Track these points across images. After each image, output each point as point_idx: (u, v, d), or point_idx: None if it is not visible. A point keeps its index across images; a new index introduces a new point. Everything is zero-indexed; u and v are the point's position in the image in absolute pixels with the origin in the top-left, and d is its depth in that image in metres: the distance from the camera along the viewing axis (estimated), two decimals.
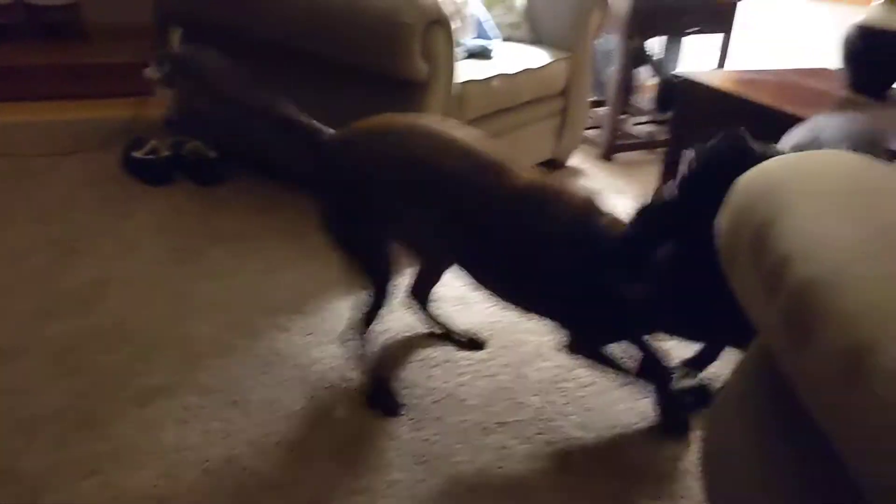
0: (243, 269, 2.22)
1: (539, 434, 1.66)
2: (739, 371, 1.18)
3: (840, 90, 2.31)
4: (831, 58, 2.42)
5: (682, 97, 2.40)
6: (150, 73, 3.28)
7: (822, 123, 1.61)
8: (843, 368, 0.74)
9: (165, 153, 2.86)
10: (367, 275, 1.67)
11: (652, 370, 1.64)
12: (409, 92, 2.35)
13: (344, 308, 2.03)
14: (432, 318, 1.98)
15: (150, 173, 2.80)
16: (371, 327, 1.73)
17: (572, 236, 1.47)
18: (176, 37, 3.07)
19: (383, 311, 1.70)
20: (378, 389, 1.73)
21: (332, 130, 1.69)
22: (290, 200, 2.66)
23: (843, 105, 2.17)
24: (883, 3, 2.14)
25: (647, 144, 3.60)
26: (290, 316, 2.00)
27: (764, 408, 1.08)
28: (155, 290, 2.09)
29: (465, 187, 1.49)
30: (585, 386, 1.83)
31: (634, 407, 1.76)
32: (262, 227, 2.49)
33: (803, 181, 0.94)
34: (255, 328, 1.94)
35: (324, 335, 1.93)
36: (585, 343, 1.63)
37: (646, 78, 4.08)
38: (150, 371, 1.76)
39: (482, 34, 2.81)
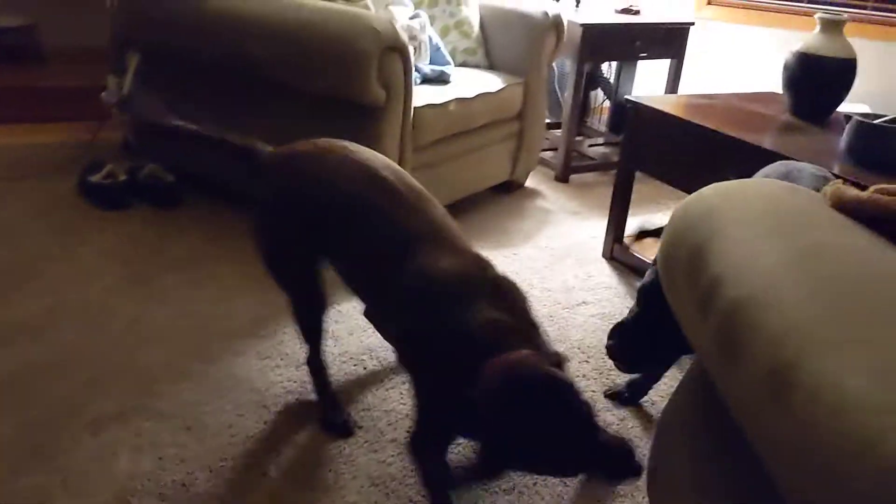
0: (199, 295, 2.22)
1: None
2: (681, 390, 1.21)
3: (783, 115, 2.38)
4: (776, 82, 2.51)
5: (631, 121, 2.46)
6: (107, 96, 3.27)
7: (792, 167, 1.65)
8: (768, 386, 0.77)
9: (122, 177, 2.85)
10: (290, 297, 1.70)
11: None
12: (366, 117, 2.38)
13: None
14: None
15: (106, 198, 2.79)
16: (321, 346, 1.75)
17: (441, 306, 1.35)
18: (134, 61, 3.06)
19: (320, 329, 1.73)
20: (333, 412, 1.74)
21: (268, 149, 1.73)
22: (247, 225, 2.66)
23: (785, 130, 2.24)
24: (819, 32, 2.22)
25: (602, 166, 3.67)
26: (246, 340, 2.01)
27: (703, 426, 1.12)
28: (109, 317, 2.08)
29: (376, 218, 1.47)
30: None
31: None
32: (218, 251, 2.49)
33: (734, 207, 0.99)
34: (210, 353, 1.94)
35: (280, 359, 1.94)
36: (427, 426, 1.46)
37: (601, 101, 4.17)
38: (103, 398, 1.75)
39: (438, 60, 2.85)
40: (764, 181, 1.04)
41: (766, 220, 0.93)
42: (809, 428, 0.70)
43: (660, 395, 1.92)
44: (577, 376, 1.98)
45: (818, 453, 0.68)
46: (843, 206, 0.96)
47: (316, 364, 1.77)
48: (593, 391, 1.93)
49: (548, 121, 3.80)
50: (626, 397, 1.90)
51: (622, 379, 1.93)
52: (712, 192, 1.06)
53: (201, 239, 2.57)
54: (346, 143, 1.65)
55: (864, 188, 0.99)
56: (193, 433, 1.66)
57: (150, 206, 2.79)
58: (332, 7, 2.41)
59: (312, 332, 1.74)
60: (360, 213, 1.49)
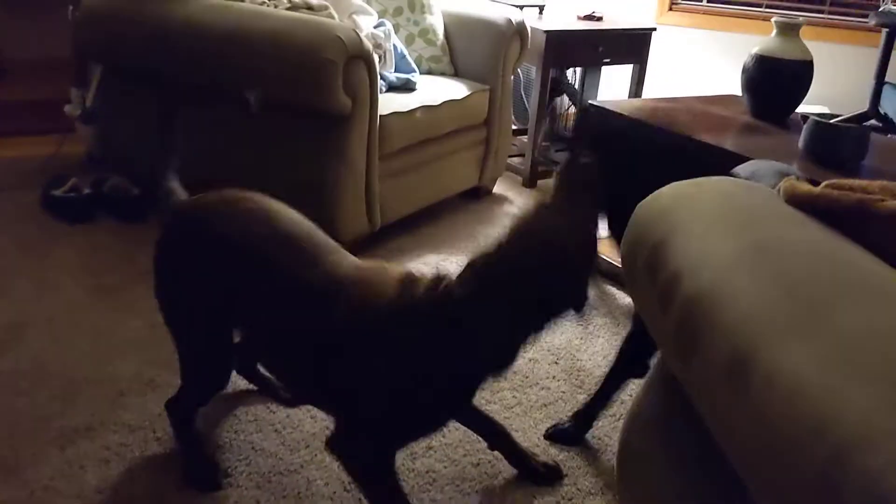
0: None
1: (465, 456, 1.69)
2: (648, 385, 1.23)
3: (743, 116, 2.43)
4: (736, 85, 2.55)
5: (594, 125, 2.49)
6: (70, 109, 3.24)
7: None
8: (725, 376, 0.79)
9: (86, 191, 2.82)
10: (186, 352, 1.57)
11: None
12: (332, 126, 2.39)
13: None
14: None
15: (70, 211, 2.76)
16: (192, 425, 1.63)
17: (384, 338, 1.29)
18: (97, 73, 3.05)
19: (213, 394, 1.62)
20: (199, 465, 1.60)
21: (183, 197, 1.60)
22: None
23: (746, 131, 2.28)
24: (777, 35, 2.27)
25: None
26: None
27: (668, 420, 1.14)
28: (75, 330, 2.06)
29: (275, 276, 1.38)
30: (510, 407, 1.87)
31: (558, 425, 1.80)
32: None
33: (691, 205, 1.01)
34: (177, 364, 1.93)
35: None
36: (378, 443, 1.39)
37: (567, 106, 4.21)
38: (71, 412, 1.73)
39: (403, 68, 2.87)
40: (719, 179, 1.07)
41: (721, 216, 0.95)
42: (766, 414, 0.72)
43: (605, 433, 1.94)
44: (547, 377, 2.00)
45: (775, 438, 0.70)
46: (796, 201, 0.99)
47: (188, 416, 1.63)
48: (563, 391, 1.95)
49: (514, 127, 3.83)
50: (571, 434, 1.79)
51: (565, 414, 1.85)
52: (670, 191, 1.08)
53: None
54: (255, 196, 1.53)
55: (817, 184, 1.02)
56: (162, 444, 1.65)
57: (116, 220, 2.77)
58: (295, 17, 2.42)
59: (203, 394, 1.62)
60: (270, 269, 1.38)
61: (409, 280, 1.31)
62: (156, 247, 1.51)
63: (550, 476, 1.65)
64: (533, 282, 1.23)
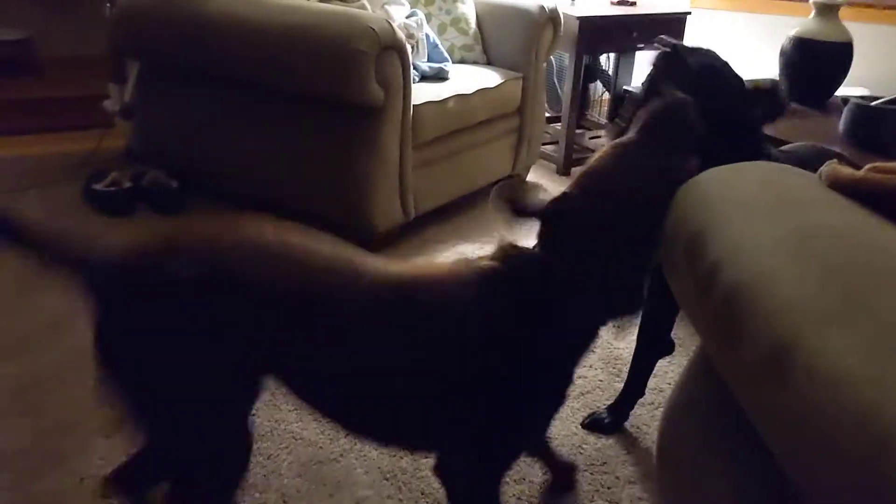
0: None
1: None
2: (687, 373, 1.23)
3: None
4: (773, 68, 2.51)
5: (628, 112, 2.47)
6: (109, 105, 3.30)
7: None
8: (767, 366, 0.79)
9: (127, 184, 2.87)
10: (190, 455, 1.20)
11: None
12: (365, 117, 2.40)
13: None
14: None
15: (111, 205, 2.81)
16: None
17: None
18: (135, 69, 3.09)
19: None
20: None
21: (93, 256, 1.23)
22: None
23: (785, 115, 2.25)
24: (815, 16, 2.23)
25: None
26: None
27: (709, 408, 1.13)
28: None
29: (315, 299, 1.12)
30: None
31: (564, 423, 1.81)
32: None
33: (731, 191, 1.00)
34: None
35: None
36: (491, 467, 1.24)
37: (601, 93, 4.18)
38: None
39: (436, 57, 2.87)
40: (759, 164, 1.05)
41: (762, 202, 0.94)
42: (808, 404, 0.71)
43: (643, 422, 1.93)
44: (584, 366, 1.99)
45: (817, 428, 0.70)
46: (838, 186, 0.98)
47: None
48: (600, 380, 1.94)
49: (548, 115, 3.81)
50: (608, 423, 1.78)
51: (603, 403, 1.85)
52: (709, 177, 1.07)
53: None
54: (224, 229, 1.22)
55: (859, 168, 1.01)
56: None
57: (155, 212, 2.81)
58: (328, 8, 2.43)
59: (230, 485, 1.24)
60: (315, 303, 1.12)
61: (465, 267, 1.16)
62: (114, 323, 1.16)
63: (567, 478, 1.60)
64: (627, 225, 1.11)
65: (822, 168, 1.01)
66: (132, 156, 3.19)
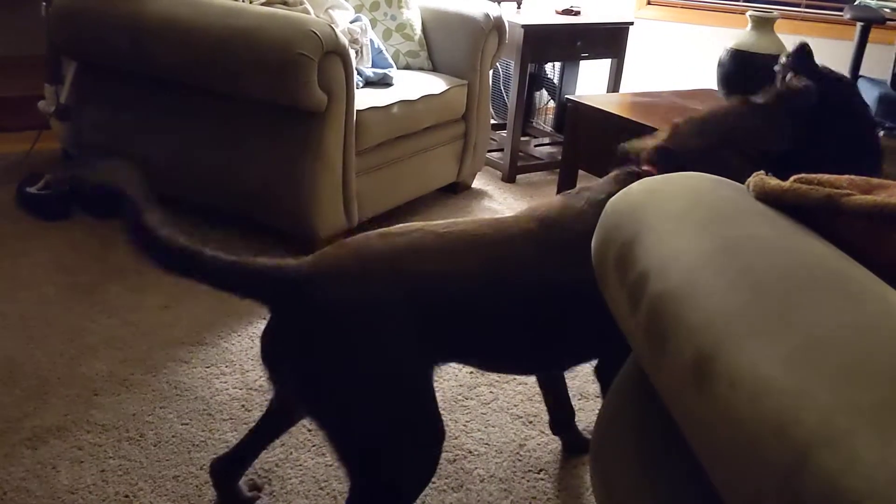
0: (142, 304, 2.19)
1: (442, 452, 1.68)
2: (620, 381, 1.24)
3: None
4: (712, 79, 2.56)
5: (572, 120, 2.50)
6: (44, 106, 3.21)
7: None
8: (691, 375, 0.79)
9: (62, 188, 2.79)
10: (398, 455, 1.23)
11: None
12: (308, 122, 2.37)
13: (246, 337, 2.04)
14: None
15: (45, 209, 2.73)
16: None
17: None
18: (70, 70, 3.01)
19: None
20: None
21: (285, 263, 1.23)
22: (190, 233, 2.64)
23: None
24: (751, 29, 2.28)
25: (548, 165, 3.70)
26: (190, 348, 1.98)
27: (641, 416, 1.14)
28: (49, 329, 2.04)
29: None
30: (487, 403, 1.87)
31: (535, 421, 1.81)
32: None
33: (660, 202, 1.01)
34: (153, 362, 1.92)
35: (225, 366, 1.92)
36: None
37: (546, 101, 4.21)
38: (44, 412, 1.72)
39: (380, 63, 2.85)
40: (688, 175, 1.07)
41: (690, 213, 0.95)
42: (729, 414, 0.72)
43: None
44: None
45: (738, 438, 0.71)
46: (765, 197, 0.99)
47: None
48: None
49: (493, 122, 3.82)
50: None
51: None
52: (639, 187, 1.08)
53: None
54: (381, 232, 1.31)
55: (786, 178, 1.02)
56: (136, 444, 1.64)
57: (91, 218, 2.74)
58: (270, 12, 2.40)
59: (424, 481, 1.28)
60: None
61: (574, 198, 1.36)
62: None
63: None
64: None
65: (749, 179, 1.03)
66: (68, 158, 3.11)
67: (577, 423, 1.74)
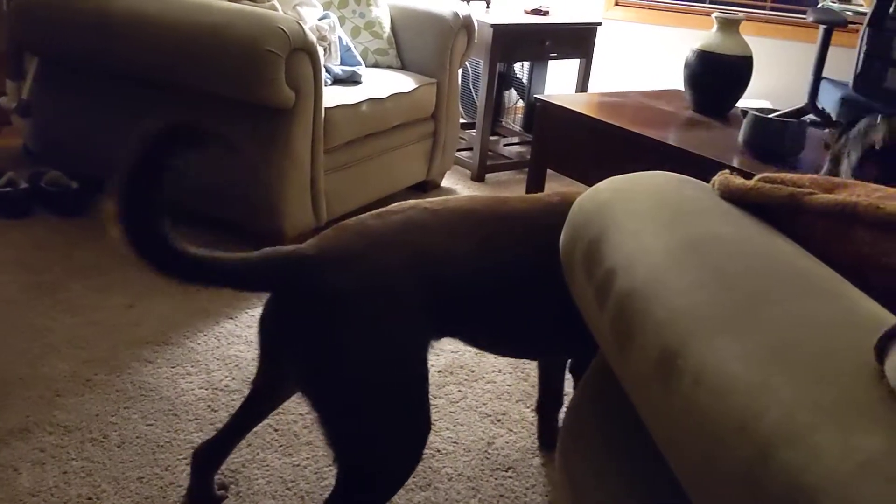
0: (106, 303, 2.15)
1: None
2: (588, 377, 1.24)
3: (685, 111, 2.46)
4: (679, 79, 2.58)
5: (541, 120, 2.50)
6: (6, 102, 3.15)
7: None
8: (657, 372, 0.80)
9: (23, 185, 2.74)
10: (385, 441, 1.22)
11: None
12: (276, 119, 2.36)
13: (212, 337, 2.02)
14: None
15: (7, 206, 2.68)
16: None
17: None
18: (32, 65, 2.96)
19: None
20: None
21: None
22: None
23: (687, 126, 2.31)
24: (717, 30, 2.30)
25: (517, 164, 3.72)
26: (155, 348, 1.96)
27: (608, 412, 1.15)
28: (10, 329, 2.00)
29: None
30: (456, 402, 1.87)
31: (503, 419, 1.81)
32: (125, 258, 2.40)
33: (627, 200, 1.01)
34: (117, 362, 1.89)
35: (190, 366, 1.90)
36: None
37: (515, 100, 4.22)
38: (5, 413, 1.68)
39: (349, 60, 2.84)
40: (654, 173, 1.07)
41: (656, 212, 0.96)
42: (694, 409, 0.73)
43: None
44: (493, 371, 2.00)
45: (702, 434, 0.71)
46: (730, 196, 1.00)
47: None
48: (509, 384, 1.95)
49: (463, 121, 3.83)
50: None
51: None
52: (606, 186, 1.09)
53: (108, 246, 2.49)
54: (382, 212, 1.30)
55: (751, 178, 1.04)
56: (99, 445, 1.61)
57: (54, 215, 2.70)
58: (238, 8, 2.38)
59: (409, 468, 1.28)
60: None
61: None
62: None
63: None
64: None
65: (714, 178, 1.04)
66: (30, 155, 3.06)
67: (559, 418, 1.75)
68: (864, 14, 2.98)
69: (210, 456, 1.45)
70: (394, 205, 1.31)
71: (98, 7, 2.50)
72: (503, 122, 4.15)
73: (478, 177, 3.54)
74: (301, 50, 2.30)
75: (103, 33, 2.50)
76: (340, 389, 1.15)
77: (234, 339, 2.03)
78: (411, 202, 1.31)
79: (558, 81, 4.10)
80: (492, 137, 3.77)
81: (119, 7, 2.47)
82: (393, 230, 1.23)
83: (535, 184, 2.63)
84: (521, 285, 1.30)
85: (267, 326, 1.25)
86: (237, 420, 1.43)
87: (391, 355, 1.17)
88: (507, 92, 4.12)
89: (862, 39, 2.85)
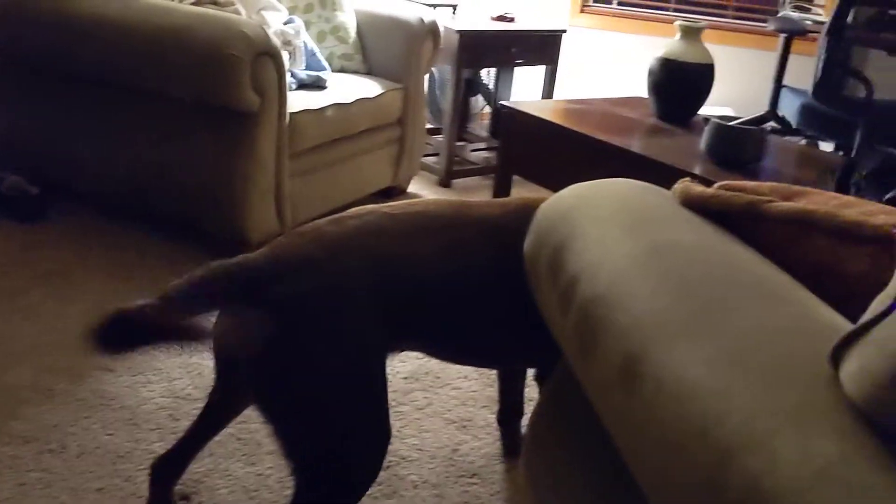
0: (67, 310, 2.12)
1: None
2: (552, 383, 1.25)
3: (649, 118, 2.48)
4: (643, 87, 2.61)
5: (506, 126, 2.51)
6: None
7: None
8: (618, 380, 0.80)
9: None
10: (344, 453, 1.19)
11: None
12: (240, 123, 2.33)
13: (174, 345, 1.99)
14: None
15: None
16: None
17: None
18: None
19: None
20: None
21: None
22: (118, 236, 2.57)
23: (651, 133, 2.34)
24: (680, 38, 2.33)
25: (484, 170, 3.72)
26: (116, 356, 1.93)
27: (572, 418, 1.15)
28: None
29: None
30: (421, 408, 1.87)
31: (468, 425, 1.81)
32: (87, 264, 2.38)
33: (590, 207, 1.02)
34: (78, 371, 1.86)
35: (152, 374, 1.87)
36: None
37: (482, 106, 4.24)
38: None
39: (314, 65, 2.83)
40: (616, 181, 1.08)
41: (619, 219, 0.97)
42: (655, 416, 0.73)
43: None
44: (459, 377, 2.00)
45: (663, 440, 0.72)
46: (690, 203, 1.01)
47: None
48: (474, 390, 1.95)
49: (429, 126, 3.83)
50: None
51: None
52: (570, 193, 1.09)
53: (70, 252, 2.46)
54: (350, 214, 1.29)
55: (711, 184, 1.05)
56: (58, 456, 1.58)
57: (13, 221, 2.64)
58: (201, 12, 2.36)
59: (371, 478, 1.25)
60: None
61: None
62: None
63: None
64: None
65: (675, 186, 1.05)
66: None
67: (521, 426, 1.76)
68: (823, 23, 3.04)
69: (169, 468, 1.42)
70: (351, 210, 1.29)
71: (57, 8, 2.47)
72: (470, 128, 4.16)
73: (444, 182, 3.55)
74: (265, 54, 2.29)
75: (63, 35, 2.47)
76: (295, 403, 1.13)
77: (196, 348, 2.00)
78: (369, 207, 1.29)
79: (525, 87, 4.12)
80: (458, 143, 3.77)
81: (78, 8, 2.44)
82: (350, 236, 1.20)
83: (502, 189, 2.63)
84: (485, 291, 1.29)
85: (219, 339, 1.22)
86: (195, 431, 1.41)
87: (347, 367, 1.14)
88: (473, 98, 4.13)
89: (821, 48, 2.90)
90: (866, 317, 0.64)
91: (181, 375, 1.88)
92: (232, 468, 1.60)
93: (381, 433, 1.22)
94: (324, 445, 1.15)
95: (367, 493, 1.54)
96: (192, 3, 2.47)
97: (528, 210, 1.31)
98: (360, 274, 1.16)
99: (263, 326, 1.11)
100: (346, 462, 1.19)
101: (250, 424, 1.73)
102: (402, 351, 1.33)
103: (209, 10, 2.39)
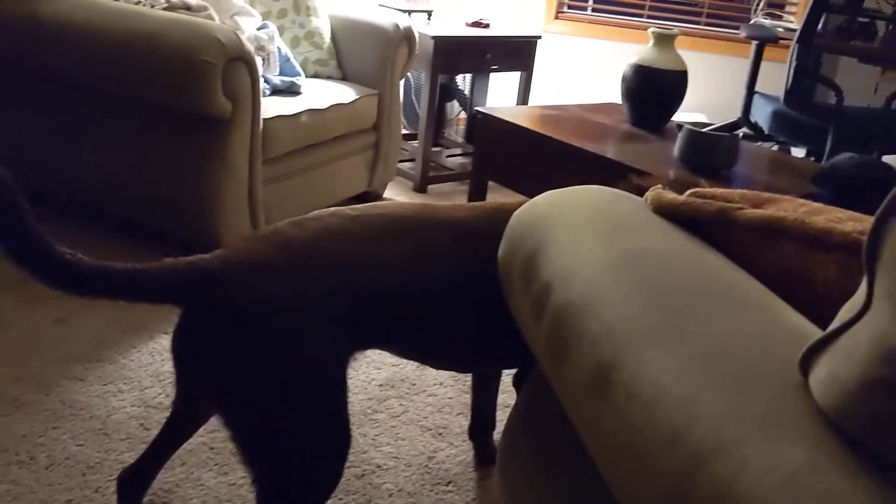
0: (35, 317, 2.08)
1: (350, 467, 1.66)
2: (526, 391, 1.24)
3: (623, 125, 2.50)
4: (617, 93, 2.62)
5: (482, 132, 2.52)
6: None
7: None
8: (590, 386, 0.80)
9: None
10: (306, 461, 1.17)
11: None
12: (212, 129, 2.32)
13: (146, 353, 1.96)
14: None
15: None
16: None
17: None
18: None
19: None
20: None
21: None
22: (89, 243, 2.54)
23: (625, 139, 2.35)
24: (653, 45, 2.34)
25: (459, 176, 3.72)
26: (87, 365, 1.90)
27: (546, 425, 1.15)
28: None
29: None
30: (397, 416, 1.86)
31: (444, 433, 1.81)
32: None
33: (563, 214, 1.02)
34: (46, 380, 1.83)
35: (123, 383, 1.85)
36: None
37: (457, 112, 4.24)
38: None
39: (288, 71, 2.82)
40: (589, 188, 1.08)
41: (591, 226, 0.97)
42: (626, 423, 0.73)
43: None
44: (434, 384, 1.99)
45: (634, 446, 0.72)
46: (662, 210, 1.02)
47: None
48: (450, 397, 1.95)
49: (405, 132, 3.82)
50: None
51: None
52: (543, 199, 1.09)
53: None
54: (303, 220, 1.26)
55: (682, 192, 1.05)
56: (26, 468, 1.56)
57: None
58: (172, 17, 2.34)
59: (333, 484, 1.23)
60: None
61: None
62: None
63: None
64: None
65: (647, 193, 1.05)
66: None
67: (494, 437, 1.75)
68: (795, 31, 3.07)
69: (136, 479, 1.39)
70: (313, 212, 1.26)
71: (23, 14, 2.43)
72: (446, 134, 4.16)
73: (420, 188, 3.54)
74: (238, 59, 2.27)
75: (31, 38, 2.43)
76: (251, 410, 1.11)
77: (168, 355, 1.98)
78: (332, 209, 1.27)
79: (500, 93, 4.13)
80: (434, 149, 3.77)
81: (45, 14, 2.40)
82: (311, 238, 1.18)
83: (477, 195, 2.63)
84: (453, 295, 1.28)
85: (177, 344, 1.19)
86: (161, 441, 1.38)
87: (305, 373, 1.12)
88: (449, 104, 4.13)
89: (792, 55, 2.93)
90: (835, 324, 0.65)
91: (152, 384, 1.86)
92: (204, 478, 1.58)
93: (341, 439, 1.20)
94: (282, 452, 1.13)
95: (342, 501, 1.54)
96: (165, 8, 2.44)
97: (501, 214, 1.31)
98: (321, 277, 1.14)
99: (219, 331, 1.09)
100: (306, 468, 1.17)
101: (223, 433, 1.71)
102: (368, 349, 1.31)
103: (182, 16, 2.37)
